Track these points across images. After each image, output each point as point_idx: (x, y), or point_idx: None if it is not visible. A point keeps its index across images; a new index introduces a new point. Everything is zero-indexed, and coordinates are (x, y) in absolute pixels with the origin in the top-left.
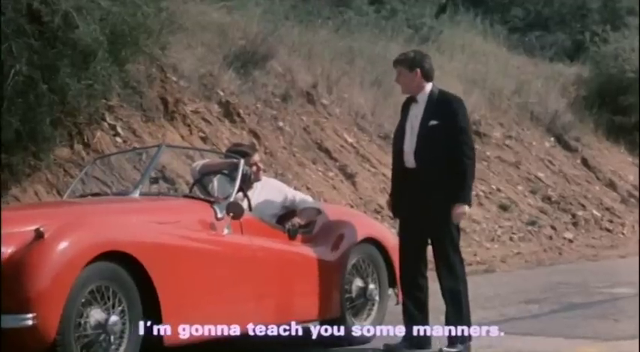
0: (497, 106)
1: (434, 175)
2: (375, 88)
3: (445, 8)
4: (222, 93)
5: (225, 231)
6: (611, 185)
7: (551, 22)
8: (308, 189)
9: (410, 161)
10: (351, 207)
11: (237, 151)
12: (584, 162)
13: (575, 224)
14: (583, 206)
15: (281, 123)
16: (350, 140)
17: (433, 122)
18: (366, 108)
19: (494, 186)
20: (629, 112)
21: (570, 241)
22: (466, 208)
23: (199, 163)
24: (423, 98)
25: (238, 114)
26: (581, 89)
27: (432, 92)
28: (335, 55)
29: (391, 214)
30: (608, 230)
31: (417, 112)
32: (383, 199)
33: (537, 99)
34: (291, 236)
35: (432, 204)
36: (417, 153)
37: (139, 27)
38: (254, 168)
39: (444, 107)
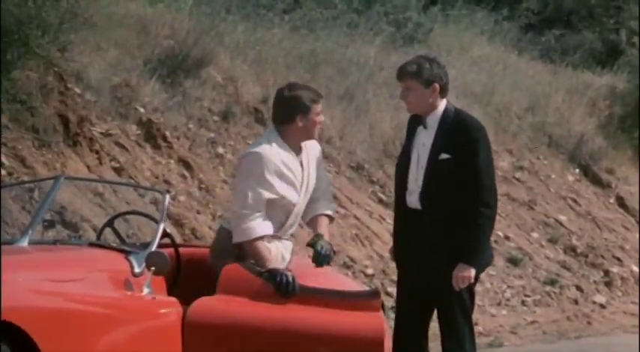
0: (505, 128)
1: (441, 224)
2: (344, 103)
3: None
4: (142, 110)
5: (145, 291)
6: None
7: (575, 17)
8: None
9: (413, 201)
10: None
11: (289, 97)
12: (620, 201)
13: (608, 284)
14: (619, 260)
15: (221, 150)
16: None
17: (444, 156)
18: (332, 130)
19: (500, 233)
20: None
21: (602, 306)
22: (472, 272)
23: None
24: (434, 121)
25: (164, 138)
26: (616, 105)
27: (445, 112)
28: (292, 61)
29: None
30: None
31: (425, 139)
32: (355, 249)
33: (557, 118)
34: (288, 293)
35: (437, 259)
36: (423, 192)
37: (29, 21)
38: (319, 117)
39: (461, 136)
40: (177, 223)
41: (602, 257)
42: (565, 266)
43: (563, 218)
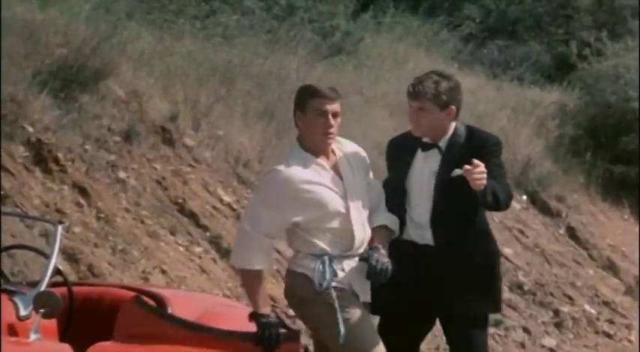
0: None
1: (459, 260)
2: (264, 121)
3: (367, 5)
4: (30, 129)
5: (33, 337)
6: (612, 267)
7: (521, 26)
8: (163, 272)
9: (423, 235)
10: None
11: (302, 89)
12: (571, 232)
13: (558, 325)
14: (570, 298)
15: (122, 174)
16: (227, 199)
17: (457, 172)
18: (250, 152)
19: None
20: (635, 160)
21: (552, 351)
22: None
23: None
24: (443, 144)
25: (56, 161)
26: (566, 125)
27: (456, 132)
28: (205, 73)
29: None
30: (607, 335)
31: (432, 165)
32: (275, 287)
33: (502, 139)
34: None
35: (455, 304)
36: (437, 223)
37: None
38: (322, 119)
39: (476, 149)
40: (72, 258)
41: (552, 295)
42: (510, 305)
43: (508, 251)
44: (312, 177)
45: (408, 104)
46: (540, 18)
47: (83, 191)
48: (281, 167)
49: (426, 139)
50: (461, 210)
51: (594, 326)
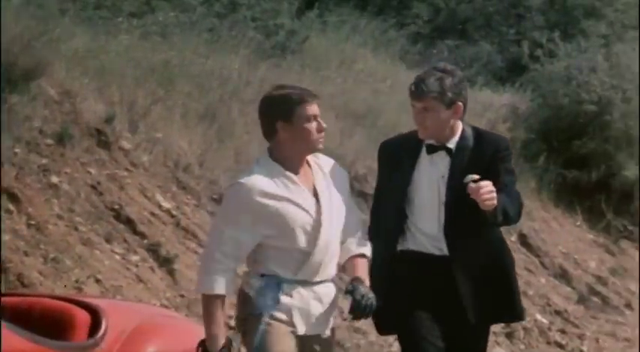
0: None
1: (476, 271)
2: (205, 124)
3: (312, 3)
4: None
5: None
6: (564, 276)
7: (471, 26)
8: (98, 281)
9: (435, 245)
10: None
11: (267, 102)
12: (523, 239)
13: (509, 335)
14: None
15: (55, 179)
16: (166, 205)
17: (473, 177)
18: (190, 156)
19: None
20: (589, 164)
21: None
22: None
23: None
24: (452, 146)
25: None
26: (518, 128)
27: (463, 135)
28: (143, 73)
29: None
30: (559, 345)
31: (441, 169)
32: None
33: None
34: None
35: (472, 316)
36: (452, 232)
37: None
38: (313, 124)
39: (489, 152)
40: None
41: None
42: None
43: None
44: (277, 190)
45: (410, 105)
46: (491, 17)
47: (13, 196)
48: (243, 179)
49: (430, 141)
50: (475, 218)
51: (546, 336)
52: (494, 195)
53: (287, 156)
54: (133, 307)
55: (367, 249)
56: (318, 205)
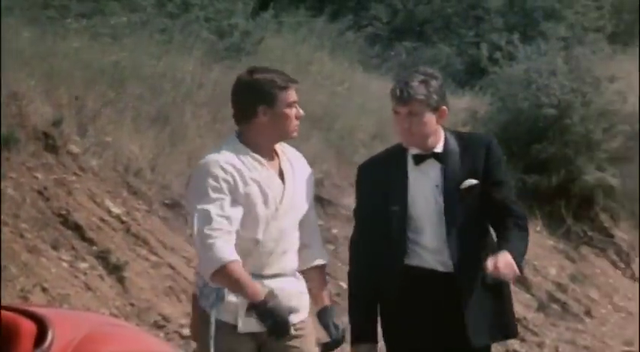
0: (350, 158)
1: (481, 282)
2: (157, 127)
3: (267, 4)
4: None
5: None
6: (523, 283)
7: (429, 28)
8: (44, 290)
9: (439, 259)
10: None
11: (248, 84)
12: None
13: None
14: None
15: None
16: (116, 210)
17: (470, 182)
18: (142, 160)
19: (343, 284)
20: (549, 168)
21: None
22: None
23: None
24: (439, 151)
25: None
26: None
27: (447, 139)
28: (92, 75)
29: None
30: None
31: (433, 178)
32: (169, 305)
33: None
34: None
35: (476, 332)
36: (455, 243)
37: None
38: (293, 110)
39: (479, 155)
40: None
41: None
42: None
43: None
44: (244, 169)
45: (392, 111)
46: (450, 19)
47: None
48: (212, 155)
49: (416, 151)
50: (475, 227)
51: (504, 344)
52: (514, 265)
53: (259, 142)
54: (81, 316)
55: (326, 257)
56: (282, 195)
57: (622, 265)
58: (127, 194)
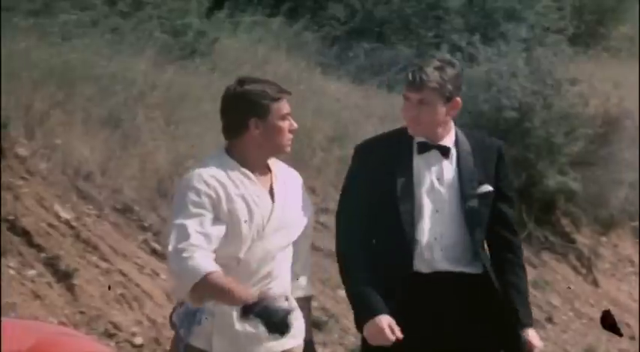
0: (308, 161)
1: (484, 291)
2: (107, 129)
3: (222, 3)
4: None
5: None
6: None
7: (388, 28)
8: None
9: (434, 261)
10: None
11: (237, 96)
12: None
13: None
14: None
15: None
16: (65, 215)
17: (487, 188)
18: (92, 164)
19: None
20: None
21: None
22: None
23: None
24: (450, 146)
25: None
26: None
27: (458, 135)
28: (41, 76)
29: None
30: None
31: (434, 171)
32: (120, 313)
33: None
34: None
35: (483, 334)
36: (459, 248)
37: None
38: (286, 122)
39: (491, 159)
40: None
41: None
42: None
43: None
44: (230, 184)
45: (402, 95)
46: (409, 19)
47: None
48: (197, 170)
49: (422, 139)
50: (483, 232)
51: None
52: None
53: (249, 156)
54: (28, 325)
55: (311, 290)
56: (272, 209)
57: (583, 271)
58: (77, 198)
